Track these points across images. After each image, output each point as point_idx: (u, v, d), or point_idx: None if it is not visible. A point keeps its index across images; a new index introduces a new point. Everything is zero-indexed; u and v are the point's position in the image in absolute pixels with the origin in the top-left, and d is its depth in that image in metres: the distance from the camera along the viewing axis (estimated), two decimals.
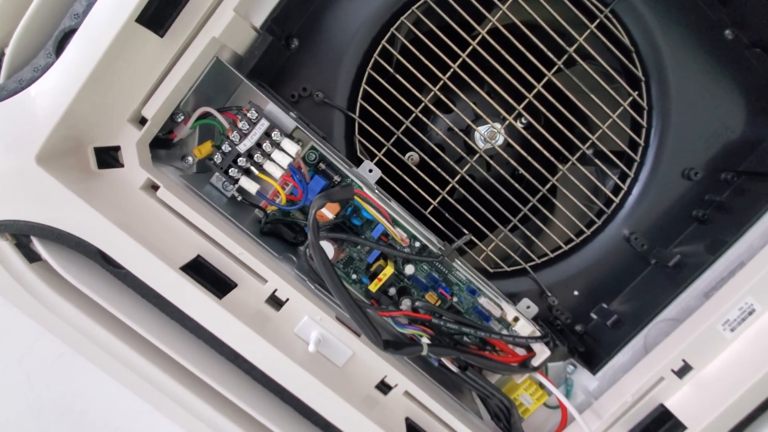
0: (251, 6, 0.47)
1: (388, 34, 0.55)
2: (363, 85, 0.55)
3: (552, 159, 0.58)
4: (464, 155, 0.60)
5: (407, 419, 0.52)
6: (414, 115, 0.55)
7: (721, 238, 0.54)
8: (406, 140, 0.57)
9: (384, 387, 0.52)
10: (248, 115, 0.51)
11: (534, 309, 0.58)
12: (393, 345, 0.47)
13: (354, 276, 0.59)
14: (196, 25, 0.44)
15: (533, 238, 0.61)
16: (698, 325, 0.50)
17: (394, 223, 0.56)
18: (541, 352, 0.54)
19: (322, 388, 0.46)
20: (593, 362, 0.57)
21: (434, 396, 0.52)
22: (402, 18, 0.55)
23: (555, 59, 0.55)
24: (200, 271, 0.47)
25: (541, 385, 0.59)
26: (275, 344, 0.46)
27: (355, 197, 0.47)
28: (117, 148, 0.47)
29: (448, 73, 0.55)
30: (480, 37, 0.54)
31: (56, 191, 0.43)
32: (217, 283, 0.47)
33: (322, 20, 0.54)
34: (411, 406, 0.52)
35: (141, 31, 0.42)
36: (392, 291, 0.58)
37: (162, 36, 0.44)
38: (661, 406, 0.51)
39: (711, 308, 0.51)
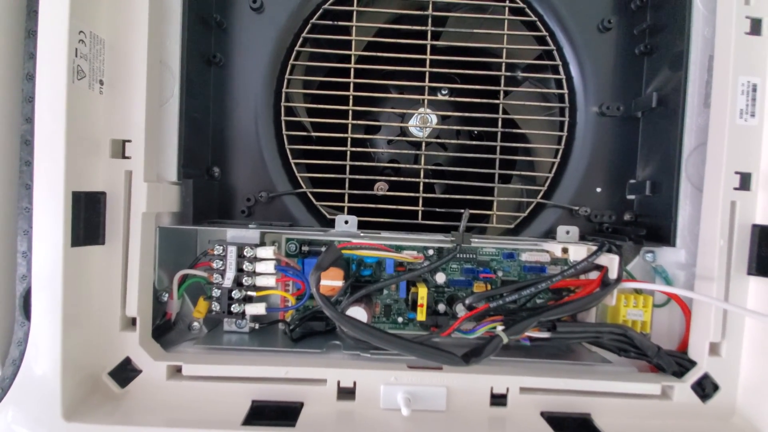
0: (157, 168, 0.50)
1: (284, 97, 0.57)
2: (291, 161, 0.56)
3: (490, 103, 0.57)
4: (417, 152, 0.59)
5: (542, 413, 0.46)
6: (350, 148, 0.56)
7: (675, 51, 0.52)
8: (359, 176, 0.57)
9: (499, 399, 0.47)
10: (215, 253, 0.51)
11: (574, 230, 0.54)
12: (472, 354, 0.43)
13: (400, 319, 0.56)
14: (124, 214, 0.46)
15: (525, 173, 0.59)
16: (722, 136, 0.46)
17: (397, 248, 0.54)
18: (611, 261, 0.49)
19: None
20: (665, 235, 0.52)
21: (551, 374, 0.47)
22: (285, 89, 0.57)
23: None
24: (262, 414, 0.45)
25: (638, 291, 0.53)
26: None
27: (342, 251, 0.46)
28: (127, 360, 0.47)
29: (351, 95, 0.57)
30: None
31: None
32: (284, 414, 0.44)
33: (225, 136, 0.57)
34: (537, 399, 0.47)
35: (83, 250, 0.44)
36: (442, 308, 0.55)
37: (103, 243, 0.46)
38: (755, 225, 0.46)
39: (719, 112, 0.47)
